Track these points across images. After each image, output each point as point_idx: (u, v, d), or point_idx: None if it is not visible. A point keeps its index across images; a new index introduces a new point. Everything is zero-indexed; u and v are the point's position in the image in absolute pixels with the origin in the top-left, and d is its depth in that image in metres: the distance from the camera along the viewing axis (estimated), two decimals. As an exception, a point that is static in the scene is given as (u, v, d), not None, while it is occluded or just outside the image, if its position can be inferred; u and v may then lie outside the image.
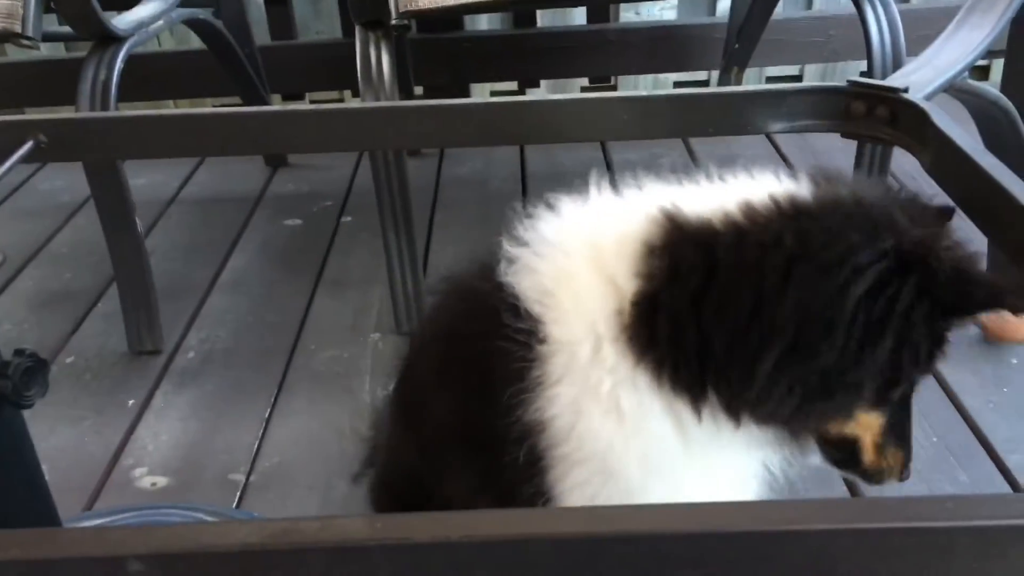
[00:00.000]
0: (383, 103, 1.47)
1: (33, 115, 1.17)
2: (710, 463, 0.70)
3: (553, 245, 0.70)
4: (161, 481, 1.29)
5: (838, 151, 1.87)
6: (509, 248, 0.71)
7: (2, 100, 2.32)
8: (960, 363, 1.44)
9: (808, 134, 2.12)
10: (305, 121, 1.27)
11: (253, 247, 1.94)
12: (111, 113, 1.44)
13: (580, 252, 0.69)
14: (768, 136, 2.27)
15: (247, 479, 1.28)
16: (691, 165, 2.20)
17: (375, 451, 1.12)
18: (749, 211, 0.66)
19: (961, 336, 1.57)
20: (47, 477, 0.85)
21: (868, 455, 0.71)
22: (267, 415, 1.41)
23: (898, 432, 0.71)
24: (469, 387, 0.73)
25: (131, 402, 1.45)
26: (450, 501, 0.81)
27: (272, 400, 1.44)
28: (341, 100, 2.53)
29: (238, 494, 1.25)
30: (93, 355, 1.58)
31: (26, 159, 0.98)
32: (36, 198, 2.21)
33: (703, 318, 0.64)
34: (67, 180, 2.22)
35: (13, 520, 0.74)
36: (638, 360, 0.65)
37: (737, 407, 0.65)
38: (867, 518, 0.40)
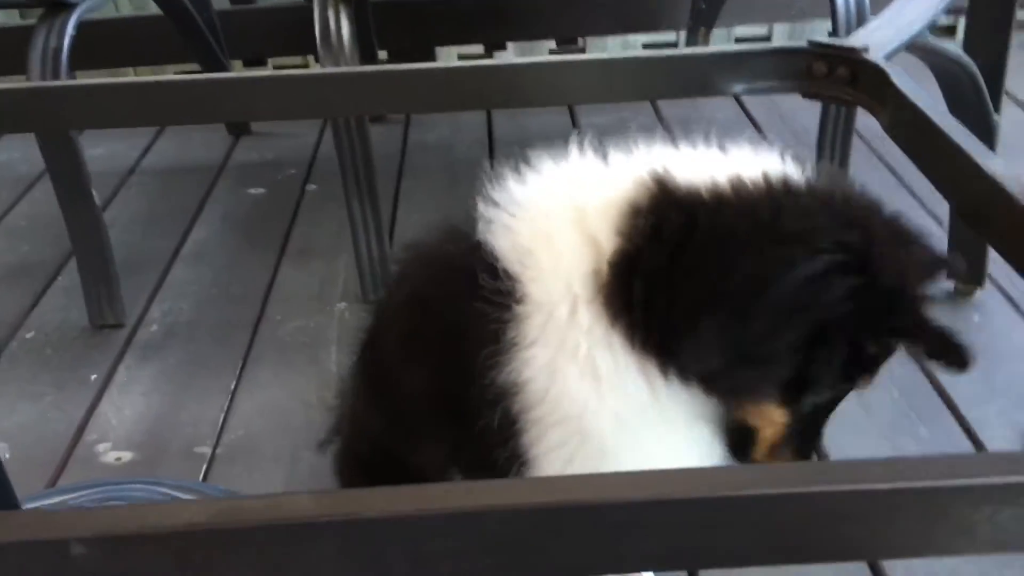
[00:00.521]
0: (345, 69, 1.45)
1: (-21, 85, 1.14)
2: (679, 425, 0.70)
3: (533, 205, 0.70)
4: (126, 456, 1.28)
5: (804, 112, 1.87)
6: (484, 209, 0.71)
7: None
8: (923, 321, 1.45)
9: (776, 96, 2.12)
10: (265, 88, 1.25)
11: (216, 217, 1.91)
12: (63, 82, 1.40)
13: (562, 212, 0.69)
14: (736, 98, 2.26)
15: (213, 452, 1.27)
16: (659, 128, 2.20)
17: (341, 420, 1.12)
18: (738, 184, 0.66)
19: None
20: (8, 455, 0.84)
21: (760, 449, 0.70)
22: (232, 387, 1.39)
23: (800, 443, 0.71)
24: (441, 351, 0.73)
25: (93, 377, 1.43)
26: (422, 469, 0.81)
27: (237, 372, 1.43)
28: (305, 66, 2.49)
29: (204, 467, 1.24)
30: (53, 330, 1.56)
31: (-30, 131, 0.95)
32: (-10, 170, 2.16)
33: (675, 280, 0.64)
34: (22, 152, 2.16)
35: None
36: (613, 321, 0.65)
37: (684, 368, 0.65)
38: (814, 482, 0.40)
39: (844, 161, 1.53)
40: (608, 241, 0.66)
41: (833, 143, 1.50)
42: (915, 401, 1.30)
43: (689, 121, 2.21)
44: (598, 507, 0.39)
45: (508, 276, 0.67)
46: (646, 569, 0.47)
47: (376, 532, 0.40)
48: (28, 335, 1.55)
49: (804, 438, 0.71)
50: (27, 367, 1.45)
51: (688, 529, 0.40)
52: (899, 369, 1.34)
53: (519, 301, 0.66)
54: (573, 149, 0.73)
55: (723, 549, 0.41)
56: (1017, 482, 0.41)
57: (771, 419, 0.69)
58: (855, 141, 1.57)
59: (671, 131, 2.16)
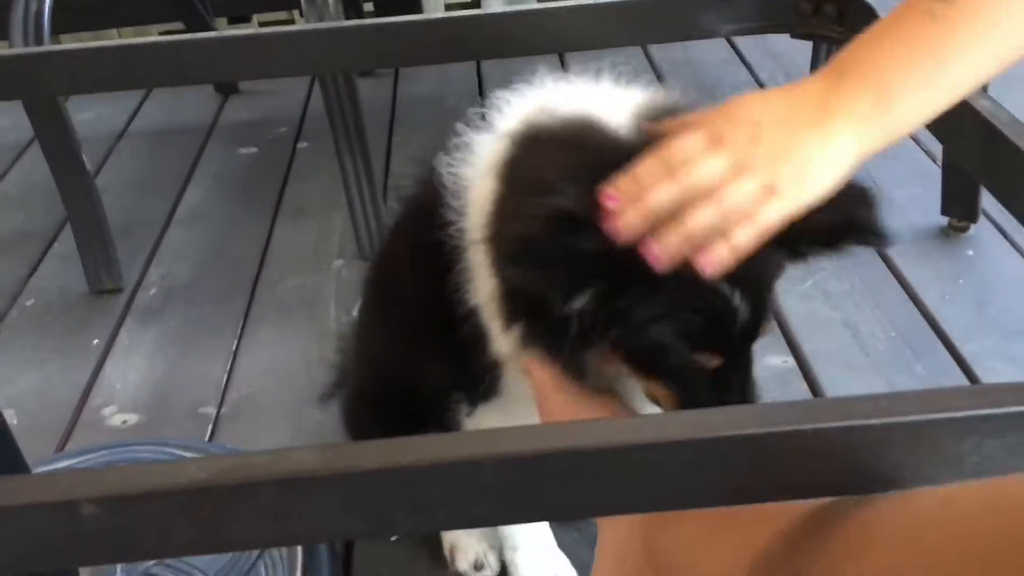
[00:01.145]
0: (331, 24, 1.43)
1: (-38, 53, 1.13)
2: None
3: (476, 144, 0.75)
4: (132, 418, 1.29)
5: (798, 52, 1.85)
6: (454, 146, 0.76)
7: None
8: (917, 257, 1.46)
9: (769, 37, 2.09)
10: (251, 47, 1.24)
11: (208, 178, 1.90)
12: (46, 47, 1.38)
13: (487, 152, 0.74)
14: (728, 40, 2.24)
15: (218, 412, 1.28)
16: (651, 73, 2.17)
17: (344, 373, 1.14)
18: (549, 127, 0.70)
19: (920, 230, 1.59)
20: (15, 422, 0.86)
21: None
22: (234, 347, 1.40)
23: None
24: (427, 270, 0.78)
25: (95, 341, 1.44)
26: (427, 396, 0.84)
27: (238, 332, 1.44)
28: (290, 21, 2.45)
29: (210, 427, 1.26)
30: (53, 296, 1.56)
31: (-45, 101, 0.94)
32: (-20, 139, 2.14)
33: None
34: (11, 119, 2.13)
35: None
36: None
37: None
38: (804, 420, 0.41)
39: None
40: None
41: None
42: (910, 338, 1.31)
43: (679, 64, 2.19)
44: (588, 452, 0.40)
45: (453, 210, 0.73)
46: (638, 511, 0.48)
47: (376, 483, 0.41)
48: (28, 303, 1.55)
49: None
50: (29, 334, 1.46)
51: (679, 470, 0.41)
52: (896, 308, 1.36)
53: (460, 234, 0.73)
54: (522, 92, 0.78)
55: (716, 488, 0.42)
56: (1002, 413, 0.42)
57: (656, 391, 0.68)
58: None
59: (662, 77, 2.15)
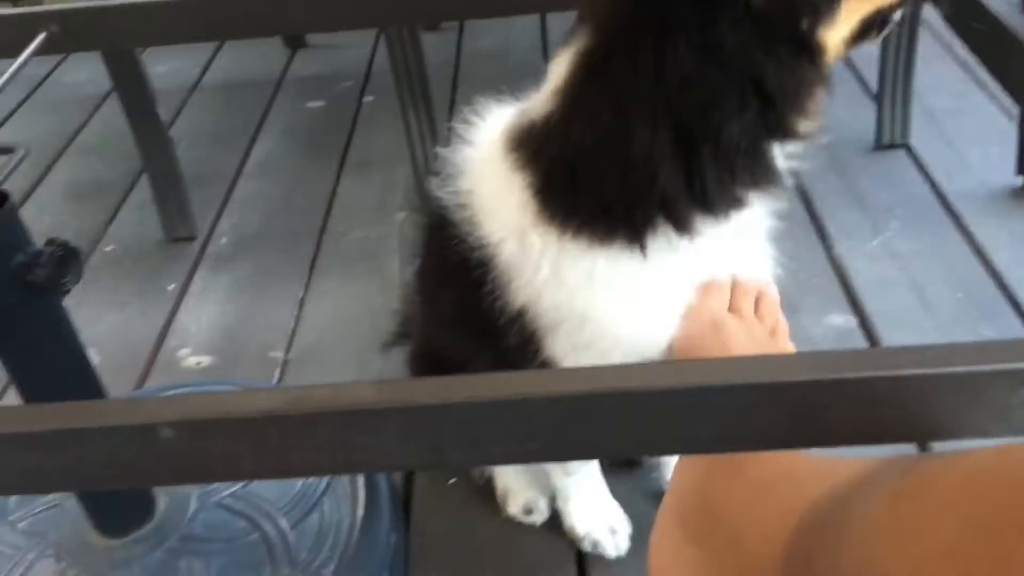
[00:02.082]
0: (396, -24, 1.44)
1: (46, 6, 1.17)
2: (657, 280, 0.71)
3: (473, 147, 0.74)
4: (205, 360, 1.35)
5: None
6: (451, 148, 0.76)
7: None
8: (990, 218, 1.42)
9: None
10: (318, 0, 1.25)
11: (277, 131, 1.95)
12: (125, 0, 1.42)
13: (489, 153, 0.72)
14: None
15: (285, 356, 1.33)
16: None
17: (407, 323, 1.16)
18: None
19: (994, 190, 1.53)
20: (97, 361, 0.91)
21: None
22: (301, 295, 1.45)
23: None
24: (462, 285, 0.77)
25: (171, 287, 1.51)
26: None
27: (305, 281, 1.48)
28: (357, -26, 2.47)
29: (278, 371, 1.31)
30: (131, 243, 1.63)
31: (40, 51, 0.99)
32: (61, 91, 2.22)
33: (574, 167, 0.66)
34: (90, 72, 2.22)
35: (63, 400, 0.79)
36: (560, 236, 0.68)
37: (685, 215, 0.65)
38: (851, 368, 0.42)
39: (910, 55, 1.48)
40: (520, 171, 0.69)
41: (899, 36, 1.44)
42: (978, 300, 1.28)
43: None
44: (636, 394, 0.41)
45: (466, 224, 0.72)
46: (683, 452, 0.50)
47: (432, 418, 0.44)
48: (108, 248, 1.62)
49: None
50: (109, 278, 1.53)
51: (724, 414, 0.42)
52: (964, 270, 1.33)
53: (480, 244, 0.72)
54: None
55: (760, 433, 0.43)
56: (1053, 367, 0.42)
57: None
58: (922, 33, 1.52)
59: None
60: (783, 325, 0.74)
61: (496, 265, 0.71)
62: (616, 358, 0.71)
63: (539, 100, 0.69)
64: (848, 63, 1.88)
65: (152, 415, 0.45)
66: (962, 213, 1.43)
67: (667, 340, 0.72)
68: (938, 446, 0.56)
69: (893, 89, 1.54)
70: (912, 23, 1.39)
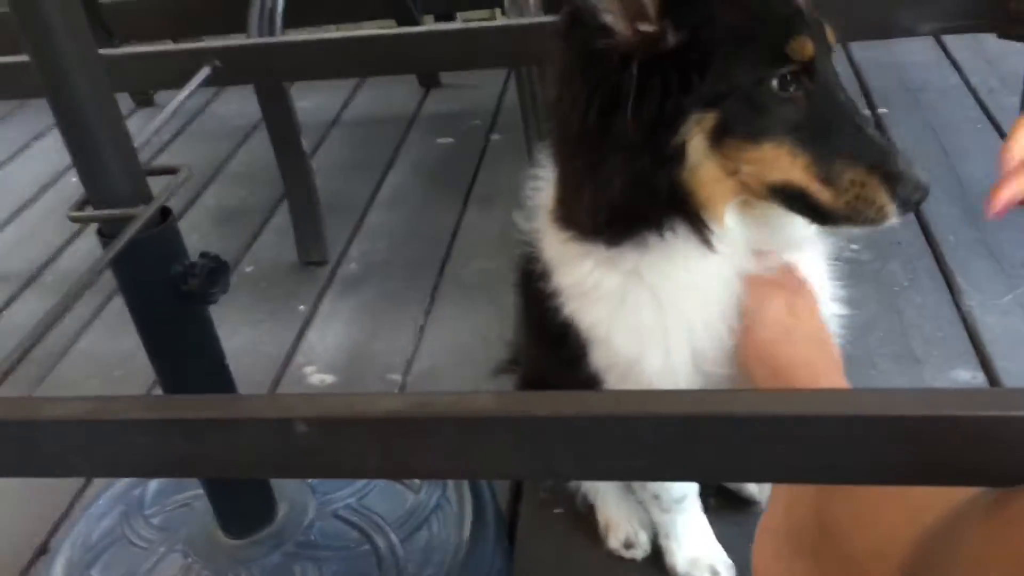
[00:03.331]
0: (527, 19, 1.49)
1: (208, 42, 1.28)
2: (686, 274, 0.71)
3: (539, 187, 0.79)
4: (328, 379, 1.42)
5: (1014, 55, 1.74)
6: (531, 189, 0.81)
7: (181, 29, 2.49)
8: None
9: (981, 37, 1.97)
10: (454, 39, 1.32)
11: (408, 165, 2.04)
12: (278, 38, 1.54)
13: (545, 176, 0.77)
14: (937, 40, 2.12)
15: (404, 379, 1.39)
16: (849, 74, 2.10)
17: (518, 352, 1.20)
18: None
19: None
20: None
21: (831, 199, 0.64)
22: (422, 322, 1.51)
23: (866, 158, 0.62)
24: (531, 301, 0.84)
25: (301, 307, 1.59)
26: None
27: (426, 308, 1.54)
28: (492, 19, 2.56)
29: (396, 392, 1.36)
30: (268, 265, 1.74)
31: (204, 83, 1.08)
32: (214, 122, 2.39)
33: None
34: (240, 105, 2.38)
35: (205, 399, 0.86)
36: (583, 243, 0.71)
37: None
38: (961, 407, 0.42)
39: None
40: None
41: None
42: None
43: (884, 66, 2.10)
44: (740, 419, 0.43)
45: (532, 238, 0.78)
46: (784, 480, 0.50)
47: (544, 429, 0.46)
48: (247, 269, 1.73)
49: (863, 150, 0.62)
50: (247, 297, 1.64)
51: (828, 445, 0.43)
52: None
53: (539, 259, 0.78)
54: None
55: (861, 466, 0.44)
56: None
57: (776, 163, 0.62)
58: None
59: (862, 76, 2.07)
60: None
61: (549, 279, 0.77)
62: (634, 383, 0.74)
63: None
64: (990, 107, 1.82)
65: (289, 410, 0.49)
66: (1107, 272, 1.36)
67: (683, 374, 0.73)
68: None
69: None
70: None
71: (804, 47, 0.61)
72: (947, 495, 0.45)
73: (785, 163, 0.61)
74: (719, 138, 0.61)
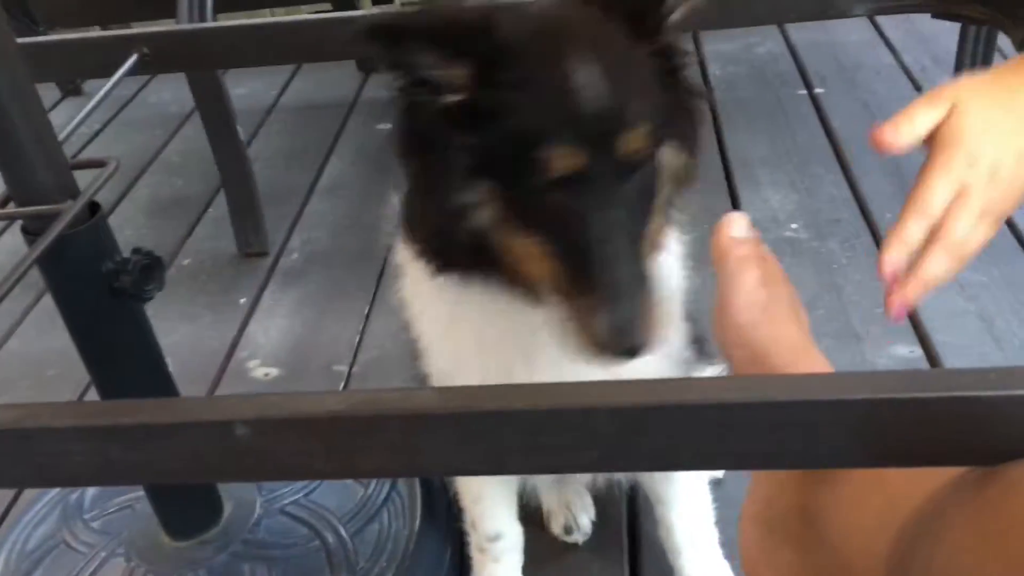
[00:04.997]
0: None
1: (137, 29, 1.24)
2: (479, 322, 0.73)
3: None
4: (273, 372, 1.39)
5: (945, 33, 1.77)
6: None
7: (108, 15, 2.41)
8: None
9: (913, 17, 2.01)
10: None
11: (349, 152, 2.00)
12: (209, 24, 1.50)
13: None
14: (871, 20, 2.16)
15: (350, 370, 1.37)
16: (786, 54, 2.12)
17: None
18: None
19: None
20: (170, 369, 0.95)
21: (551, 293, 0.64)
22: (366, 312, 1.49)
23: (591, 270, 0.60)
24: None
25: (242, 300, 1.56)
26: None
27: (370, 298, 1.52)
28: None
29: (342, 384, 1.34)
30: (206, 257, 1.69)
31: (132, 72, 1.04)
32: (146, 110, 2.32)
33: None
34: (174, 92, 2.31)
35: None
36: (433, 270, 0.69)
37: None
38: (907, 388, 0.42)
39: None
40: None
41: (973, 67, 1.42)
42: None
43: (820, 45, 2.13)
44: (692, 408, 0.42)
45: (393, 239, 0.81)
46: (736, 468, 0.50)
47: (491, 424, 0.45)
48: (185, 262, 1.69)
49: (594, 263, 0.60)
50: (185, 291, 1.59)
51: (782, 431, 0.43)
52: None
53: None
54: None
55: (822, 451, 0.44)
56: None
57: (527, 259, 0.62)
58: (999, 63, 1.49)
59: (798, 56, 2.09)
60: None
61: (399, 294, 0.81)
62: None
63: None
64: (923, 86, 1.85)
65: (228, 413, 0.48)
66: (1037, 246, 1.40)
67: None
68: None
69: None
70: (987, 55, 1.37)
71: (562, 160, 0.58)
72: (928, 481, 0.45)
73: (535, 264, 0.61)
74: (502, 212, 0.61)
